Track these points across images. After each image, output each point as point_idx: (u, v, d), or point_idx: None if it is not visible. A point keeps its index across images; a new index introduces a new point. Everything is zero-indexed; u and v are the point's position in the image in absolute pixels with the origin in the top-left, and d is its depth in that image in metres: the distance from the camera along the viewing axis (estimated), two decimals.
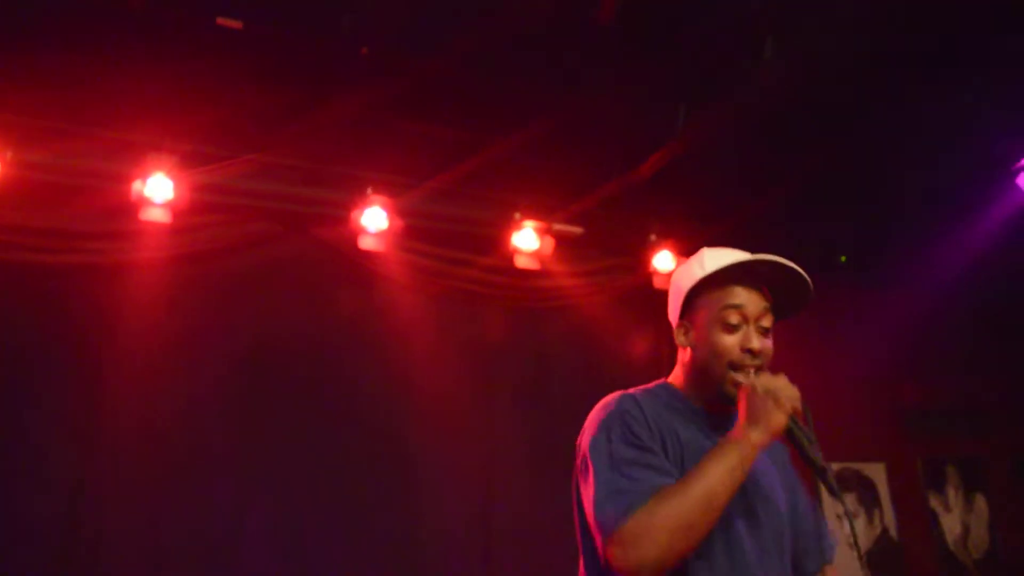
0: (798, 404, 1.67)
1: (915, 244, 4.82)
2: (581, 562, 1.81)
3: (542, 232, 4.39)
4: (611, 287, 4.70)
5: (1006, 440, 5.56)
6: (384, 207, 4.02)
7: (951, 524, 5.33)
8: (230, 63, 3.40)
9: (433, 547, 4.00)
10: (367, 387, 4.09)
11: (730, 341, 1.76)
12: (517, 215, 4.36)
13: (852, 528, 1.77)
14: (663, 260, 4.59)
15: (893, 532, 5.10)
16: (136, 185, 3.64)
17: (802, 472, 1.94)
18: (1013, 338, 5.50)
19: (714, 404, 1.81)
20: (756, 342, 1.76)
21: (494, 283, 4.44)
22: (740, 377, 1.74)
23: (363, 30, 3.34)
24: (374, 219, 4.02)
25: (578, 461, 1.78)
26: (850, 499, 4.99)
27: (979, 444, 5.52)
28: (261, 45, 3.36)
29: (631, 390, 1.83)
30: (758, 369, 1.76)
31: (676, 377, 1.89)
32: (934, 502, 5.34)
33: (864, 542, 4.90)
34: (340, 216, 4.06)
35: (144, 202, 3.65)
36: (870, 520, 5.06)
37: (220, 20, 3.22)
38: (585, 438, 1.77)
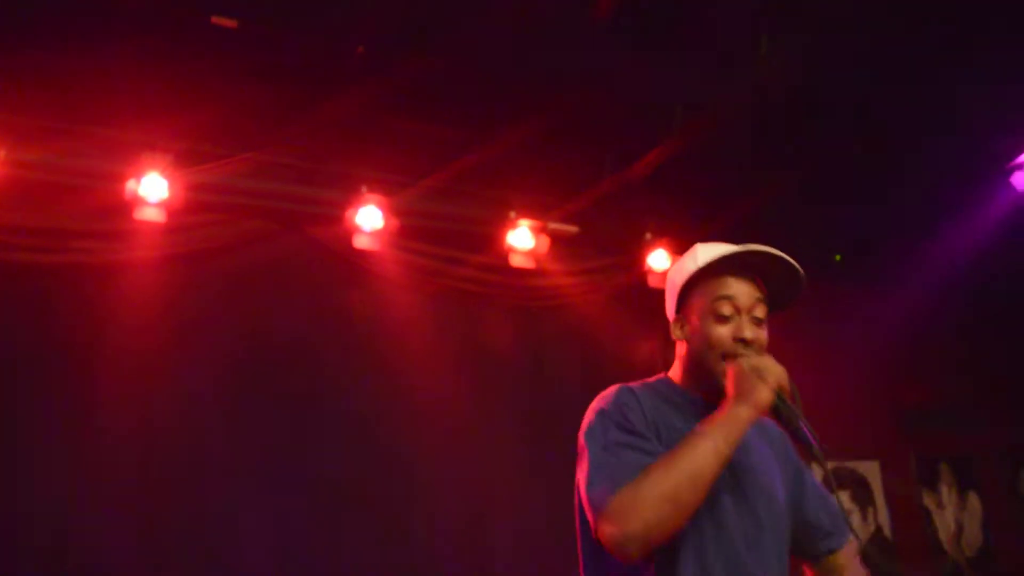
0: (784, 381, 1.68)
1: (910, 243, 4.83)
2: (581, 562, 1.82)
3: (537, 231, 4.39)
4: (607, 286, 4.70)
5: (999, 438, 5.58)
6: (379, 206, 4.02)
7: (945, 522, 5.35)
8: (224, 62, 3.40)
9: (429, 546, 3.99)
10: (363, 386, 4.09)
11: (723, 331, 1.77)
12: (512, 214, 4.36)
13: (837, 498, 1.80)
14: (659, 259, 4.58)
15: (887, 530, 5.12)
16: (130, 184, 3.63)
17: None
18: (1007, 336, 5.52)
19: (711, 395, 1.81)
20: (749, 331, 1.76)
21: (489, 282, 4.44)
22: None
23: (358, 29, 3.34)
24: (369, 218, 4.02)
25: (577, 451, 1.79)
26: (844, 497, 5.01)
27: (972, 442, 5.54)
28: (255, 44, 3.36)
29: (630, 383, 1.84)
30: None
31: (674, 371, 1.90)
32: (928, 500, 5.36)
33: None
34: (335, 215, 4.06)
35: (138, 201, 3.65)
36: (864, 518, 5.07)
37: (215, 19, 3.22)
38: (582, 427, 1.78)
